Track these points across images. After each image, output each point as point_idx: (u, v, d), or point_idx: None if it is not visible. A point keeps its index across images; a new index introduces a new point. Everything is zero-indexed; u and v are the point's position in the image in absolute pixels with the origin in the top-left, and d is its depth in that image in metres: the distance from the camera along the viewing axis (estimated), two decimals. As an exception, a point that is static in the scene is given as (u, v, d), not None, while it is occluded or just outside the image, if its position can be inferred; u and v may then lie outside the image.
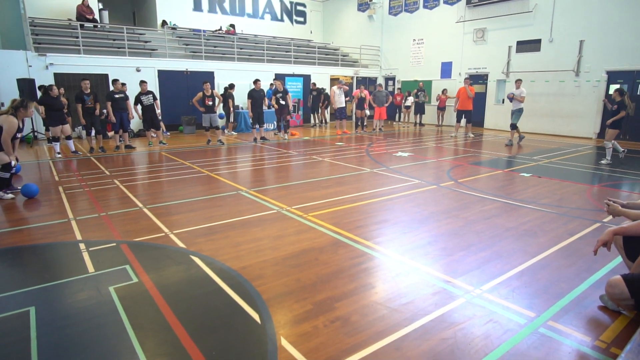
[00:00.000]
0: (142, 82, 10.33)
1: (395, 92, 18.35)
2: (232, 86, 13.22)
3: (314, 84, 16.36)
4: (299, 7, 22.15)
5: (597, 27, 12.58)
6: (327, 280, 3.22)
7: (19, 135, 5.72)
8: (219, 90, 14.17)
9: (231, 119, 13.64)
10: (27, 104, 5.67)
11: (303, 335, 2.50)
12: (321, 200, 5.60)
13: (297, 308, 2.81)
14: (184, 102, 14.29)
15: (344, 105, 13.96)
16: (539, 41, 14.14)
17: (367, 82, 19.61)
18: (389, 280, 3.25)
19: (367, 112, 14.83)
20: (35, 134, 11.45)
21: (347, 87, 14.58)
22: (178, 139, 12.54)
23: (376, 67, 20.34)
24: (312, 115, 16.71)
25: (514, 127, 11.43)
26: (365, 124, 14.99)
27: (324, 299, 2.93)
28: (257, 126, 11.60)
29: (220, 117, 5.48)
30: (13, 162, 5.59)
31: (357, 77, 19.57)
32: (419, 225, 4.57)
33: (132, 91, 10.73)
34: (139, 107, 10.26)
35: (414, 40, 18.35)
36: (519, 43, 14.73)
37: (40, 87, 9.99)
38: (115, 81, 9.82)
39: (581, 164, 8.59)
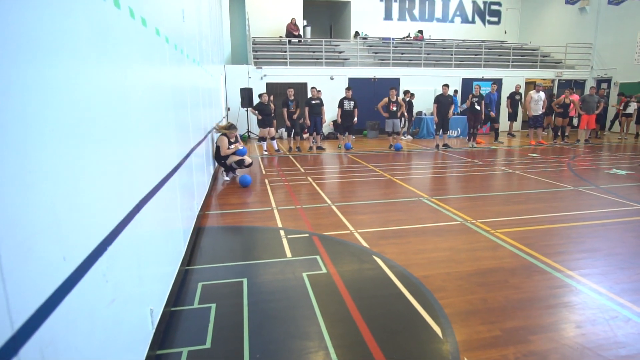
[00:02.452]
0: (347, 89, 11.25)
1: (616, 97, 15.24)
2: (406, 92, 13.31)
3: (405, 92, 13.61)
4: (492, 7, 20.62)
5: None
6: (518, 307, 2.90)
7: (232, 147, 7.25)
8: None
9: (403, 125, 13.72)
10: (232, 128, 7.36)
11: (490, 362, 2.30)
12: (511, 216, 5.08)
13: (483, 331, 2.61)
14: (369, 108, 14.94)
15: (540, 112, 12.33)
16: None
17: (573, 85, 16.89)
18: (600, 322, 2.72)
19: (575, 121, 12.80)
20: (249, 133, 13.70)
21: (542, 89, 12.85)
22: (362, 142, 13.20)
23: (585, 68, 17.36)
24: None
25: None
26: (567, 133, 12.97)
27: (515, 328, 2.64)
28: (441, 132, 11.33)
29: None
30: (239, 147, 7.24)
31: (559, 80, 17.08)
32: (644, 262, 3.69)
33: (326, 98, 11.79)
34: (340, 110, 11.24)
35: (644, 33, 14.94)
36: None
37: (260, 95, 11.89)
38: (312, 89, 10.96)
39: None
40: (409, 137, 13.90)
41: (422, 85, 14.40)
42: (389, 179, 7.41)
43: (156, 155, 2.71)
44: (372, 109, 14.90)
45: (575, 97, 12.89)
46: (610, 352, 2.40)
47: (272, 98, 11.49)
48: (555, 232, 4.53)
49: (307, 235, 4.39)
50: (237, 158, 7.29)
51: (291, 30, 16.12)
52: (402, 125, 13.65)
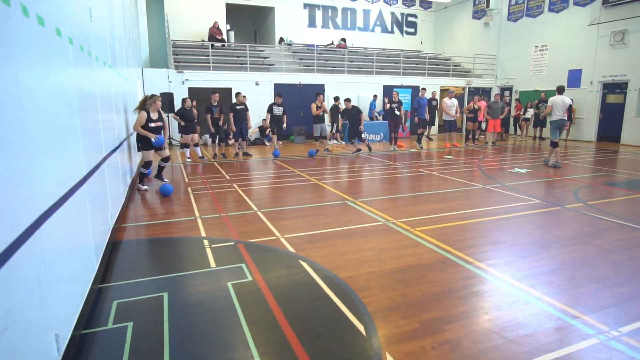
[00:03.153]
0: (277, 95, 11.23)
1: (514, 103, 16.97)
2: (337, 99, 13.68)
3: (347, 100, 12.12)
4: (409, 18, 21.95)
5: None
6: (434, 300, 3.09)
7: (152, 124, 6.66)
8: (329, 102, 14.69)
9: (333, 130, 14.09)
10: (153, 97, 6.75)
11: (409, 355, 2.43)
12: (429, 215, 5.41)
13: (404, 325, 2.75)
14: (295, 113, 15.08)
15: (454, 117, 13.34)
16: (700, 43, 11.91)
17: (481, 93, 18.50)
18: (504, 307, 3.00)
19: (483, 125, 14.02)
20: (171, 140, 13.11)
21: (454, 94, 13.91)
22: (289, 148, 13.24)
23: (491, 77, 19.12)
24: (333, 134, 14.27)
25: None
26: (477, 137, 14.16)
27: (431, 319, 2.82)
28: (356, 139, 11.88)
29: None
30: (153, 139, 6.60)
31: (469, 88, 18.62)
32: (540, 250, 4.14)
33: (251, 104, 11.67)
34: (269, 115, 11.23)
35: (536, 46, 16.85)
36: (672, 46, 12.59)
37: (183, 100, 11.39)
38: (237, 94, 10.80)
39: None
40: (334, 141, 14.24)
41: (346, 92, 14.83)
42: (315, 183, 7.52)
43: (60, 165, 2.49)
44: (299, 114, 15.09)
45: (483, 104, 14.13)
46: (512, 333, 2.66)
47: (194, 103, 11.13)
48: (467, 227, 4.91)
49: (232, 243, 4.29)
50: (148, 159, 6.79)
51: (214, 34, 15.76)
52: (332, 131, 13.99)
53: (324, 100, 12.17)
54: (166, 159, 7.08)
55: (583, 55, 15.10)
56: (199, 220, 5.12)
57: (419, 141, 13.08)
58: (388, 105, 12.30)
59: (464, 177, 8.07)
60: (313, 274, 3.53)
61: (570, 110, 9.04)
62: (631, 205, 5.96)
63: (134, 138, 7.23)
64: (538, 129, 15.46)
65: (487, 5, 18.65)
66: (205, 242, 4.33)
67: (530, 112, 15.66)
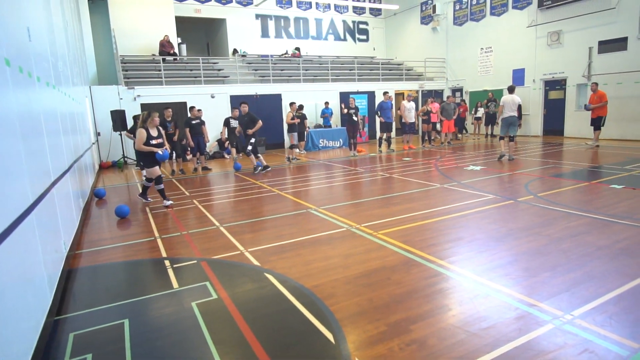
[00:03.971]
0: (234, 109, 11.06)
1: (460, 103, 17.71)
2: (301, 107, 13.77)
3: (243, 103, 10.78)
4: (361, 26, 22.45)
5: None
6: (400, 301, 3.15)
7: (153, 141, 6.56)
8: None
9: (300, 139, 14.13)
10: (151, 114, 6.58)
11: (378, 358, 2.46)
12: (391, 217, 5.52)
13: (371, 329, 2.78)
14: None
15: (413, 120, 13.70)
16: (625, 39, 12.93)
17: (433, 95, 19.17)
18: (466, 302, 3.10)
19: (438, 126, 14.51)
20: (125, 159, 12.65)
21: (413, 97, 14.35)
22: (249, 159, 13.08)
23: (442, 79, 19.85)
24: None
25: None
26: (433, 137, 14.63)
27: (398, 321, 2.87)
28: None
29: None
30: (160, 151, 6.53)
31: (422, 91, 19.23)
32: (496, 244, 4.32)
33: (208, 117, 11.49)
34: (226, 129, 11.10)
35: (482, 49, 17.70)
36: (601, 43, 13.58)
37: (133, 117, 11.02)
38: (191, 108, 10.60)
39: (686, 173, 7.62)
40: (296, 150, 14.24)
41: (303, 100, 14.92)
42: (278, 193, 7.49)
43: (3, 195, 2.35)
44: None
45: (436, 105, 14.63)
46: (475, 326, 2.75)
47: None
48: (428, 227, 5.05)
49: (194, 261, 4.19)
50: (155, 174, 6.70)
51: (165, 48, 15.43)
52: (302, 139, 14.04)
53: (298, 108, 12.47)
54: (158, 180, 6.82)
55: (525, 55, 16.00)
56: (159, 241, 4.97)
57: (389, 144, 13.29)
58: (346, 110, 12.48)
59: (423, 178, 8.30)
60: (279, 286, 3.50)
61: (520, 109, 9.75)
62: (576, 194, 6.35)
63: (86, 159, 6.93)
64: (490, 126, 16.18)
65: (434, 11, 19.41)
66: (167, 263, 4.20)
67: (480, 111, 16.40)
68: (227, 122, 11.05)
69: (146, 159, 6.66)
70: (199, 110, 10.86)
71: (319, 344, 2.64)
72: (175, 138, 10.23)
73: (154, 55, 15.60)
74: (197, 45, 21.02)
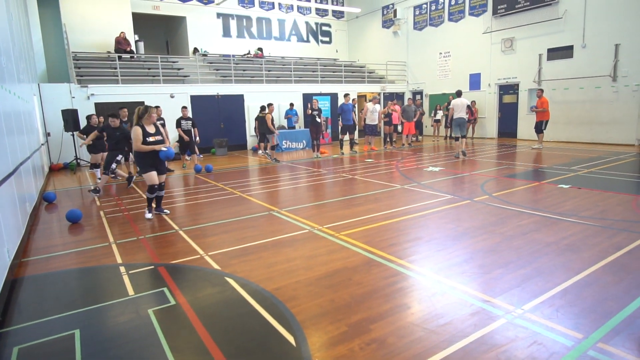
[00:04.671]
0: (184, 108, 11.06)
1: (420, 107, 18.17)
2: (266, 107, 13.73)
3: (262, 107, 13.11)
4: (324, 28, 22.58)
5: (634, 30, 12.12)
6: (361, 301, 3.19)
7: (150, 139, 5.75)
8: (253, 112, 14.64)
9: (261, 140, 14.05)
10: (148, 110, 5.82)
11: (338, 358, 2.47)
12: (352, 218, 5.58)
13: (332, 330, 2.79)
14: (215, 125, 14.74)
15: (376, 122, 13.89)
16: (571, 47, 13.75)
17: (395, 98, 19.58)
18: (424, 300, 3.18)
19: (399, 127, 14.81)
20: (78, 161, 12.06)
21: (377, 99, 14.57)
22: (210, 161, 12.87)
23: (403, 82, 20.31)
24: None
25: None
26: (394, 139, 14.92)
27: (359, 321, 2.90)
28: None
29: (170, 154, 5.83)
30: (164, 148, 5.75)
31: (384, 93, 19.59)
32: (453, 242, 4.46)
33: (166, 116, 11.17)
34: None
35: (441, 53, 18.26)
36: (549, 50, 14.38)
37: (88, 117, 10.53)
38: (157, 107, 10.30)
39: (624, 173, 8.19)
40: (260, 151, 14.12)
41: (266, 101, 14.79)
42: (240, 195, 7.39)
43: None
44: (219, 126, 14.78)
45: (397, 108, 14.94)
46: (432, 323, 2.82)
47: (101, 120, 10.41)
48: (389, 227, 5.14)
49: (152, 267, 4.05)
50: (152, 182, 5.83)
51: (121, 45, 14.86)
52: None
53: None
54: (160, 187, 6.06)
55: (480, 60, 16.65)
56: (114, 246, 4.77)
57: (351, 146, 13.41)
58: (309, 112, 12.51)
59: (384, 179, 8.45)
60: (240, 290, 3.45)
61: (470, 109, 11.14)
62: (528, 194, 6.67)
63: (34, 161, 6.53)
64: (450, 129, 16.70)
65: (395, 15, 19.84)
66: (122, 269, 4.04)
67: (439, 114, 16.91)
68: (178, 123, 10.89)
69: (143, 161, 5.79)
70: (157, 106, 10.61)
71: (280, 346, 2.62)
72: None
73: (109, 52, 14.99)
74: (156, 43, 20.40)
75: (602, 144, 13.21)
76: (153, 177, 5.83)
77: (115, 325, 2.97)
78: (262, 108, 13.40)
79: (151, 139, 5.74)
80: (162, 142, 5.86)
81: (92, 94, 12.49)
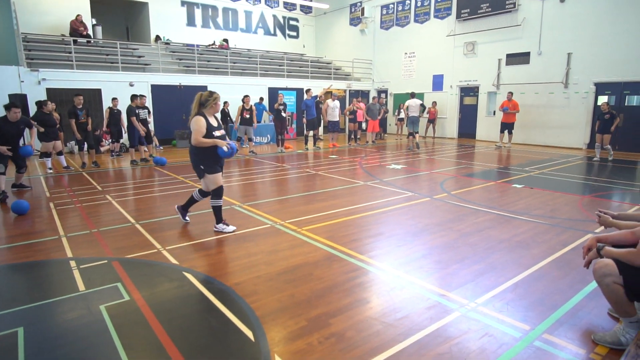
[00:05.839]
0: (142, 96, 10.35)
1: (385, 105, 18.46)
2: (226, 103, 13.44)
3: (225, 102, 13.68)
4: (291, 22, 22.42)
5: (585, 40, 12.84)
6: (321, 296, 3.20)
7: (217, 133, 4.65)
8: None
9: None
10: (213, 95, 4.69)
11: (297, 353, 2.47)
12: (315, 214, 5.59)
13: (292, 325, 2.78)
14: (177, 116, 14.31)
15: (337, 119, 14.00)
16: (528, 54, 14.39)
17: (360, 95, 19.77)
18: (383, 294, 3.24)
19: (364, 125, 14.96)
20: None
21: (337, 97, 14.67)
22: (172, 152, 12.50)
23: (369, 80, 20.54)
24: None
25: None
26: (358, 136, 15.07)
27: (318, 315, 2.90)
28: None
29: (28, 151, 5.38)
30: (225, 148, 4.54)
31: (349, 90, 19.73)
32: (413, 238, 4.56)
33: (124, 105, 10.72)
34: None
35: (406, 53, 18.60)
36: (508, 56, 14.98)
37: (37, 103, 9.93)
38: (114, 99, 9.86)
39: (572, 175, 8.68)
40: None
41: (230, 94, 14.54)
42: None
43: None
44: (181, 117, 14.36)
45: (362, 105, 15.09)
46: (391, 317, 2.88)
47: (54, 106, 9.85)
48: (351, 223, 5.19)
49: (105, 261, 3.88)
50: (218, 184, 4.75)
51: (77, 28, 14.11)
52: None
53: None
54: (203, 193, 5.06)
55: (444, 62, 17.10)
56: (64, 239, 4.53)
57: (315, 141, 13.37)
58: (275, 106, 12.42)
59: (348, 176, 8.52)
60: (199, 285, 3.37)
61: (423, 107, 13.43)
62: (484, 193, 6.93)
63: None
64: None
65: (362, 14, 20.00)
66: (72, 263, 3.84)
67: (402, 113, 17.22)
68: (134, 112, 10.04)
69: (209, 159, 4.67)
70: (115, 98, 10.16)
71: (238, 342, 2.59)
72: (89, 128, 9.42)
73: (63, 35, 14.20)
74: (115, 28, 19.51)
75: (553, 146, 13.94)
76: (220, 178, 4.81)
77: (63, 322, 2.82)
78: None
79: (217, 133, 4.65)
80: (224, 136, 4.77)
81: (44, 79, 11.78)
